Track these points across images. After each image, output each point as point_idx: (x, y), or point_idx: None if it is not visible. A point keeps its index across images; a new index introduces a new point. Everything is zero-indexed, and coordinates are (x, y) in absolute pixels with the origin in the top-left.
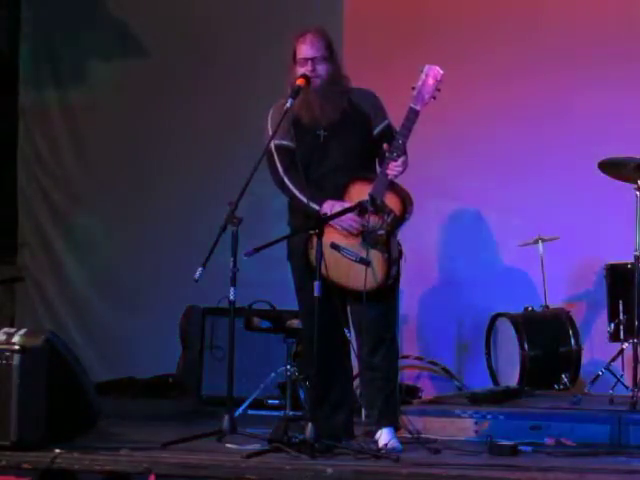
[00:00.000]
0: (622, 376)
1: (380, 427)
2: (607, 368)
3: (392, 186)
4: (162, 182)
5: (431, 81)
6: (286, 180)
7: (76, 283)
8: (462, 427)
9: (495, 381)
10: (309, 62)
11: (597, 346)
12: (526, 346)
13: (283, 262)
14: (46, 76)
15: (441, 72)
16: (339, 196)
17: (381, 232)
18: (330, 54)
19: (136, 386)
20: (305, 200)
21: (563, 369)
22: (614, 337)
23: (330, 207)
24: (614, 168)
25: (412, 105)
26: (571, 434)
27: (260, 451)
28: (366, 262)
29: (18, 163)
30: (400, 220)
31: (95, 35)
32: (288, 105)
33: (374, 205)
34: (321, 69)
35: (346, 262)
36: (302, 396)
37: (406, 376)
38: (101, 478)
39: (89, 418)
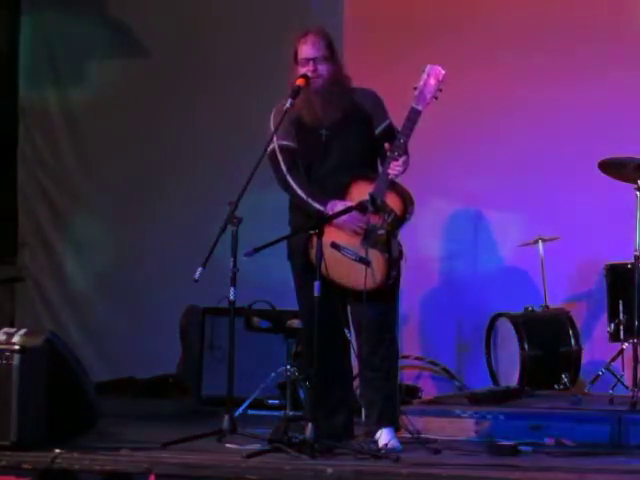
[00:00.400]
0: (622, 376)
1: (380, 427)
2: (607, 368)
3: (393, 186)
4: (162, 182)
5: (433, 81)
6: (289, 179)
7: (76, 283)
8: (462, 427)
9: (495, 381)
10: (310, 62)
11: (597, 346)
12: (526, 346)
13: (283, 262)
14: (46, 76)
15: (443, 72)
16: (341, 195)
17: (381, 232)
18: (331, 54)
19: (136, 386)
20: (308, 199)
21: (563, 369)
22: (614, 337)
23: (333, 207)
24: (614, 168)
25: (414, 105)
26: (571, 434)
27: (260, 451)
28: (366, 262)
29: (18, 163)
30: (401, 220)
31: (95, 35)
32: (288, 105)
33: (374, 205)
34: (322, 69)
35: (346, 262)
36: (302, 396)
37: (406, 376)
38: (101, 478)
39: (89, 418)
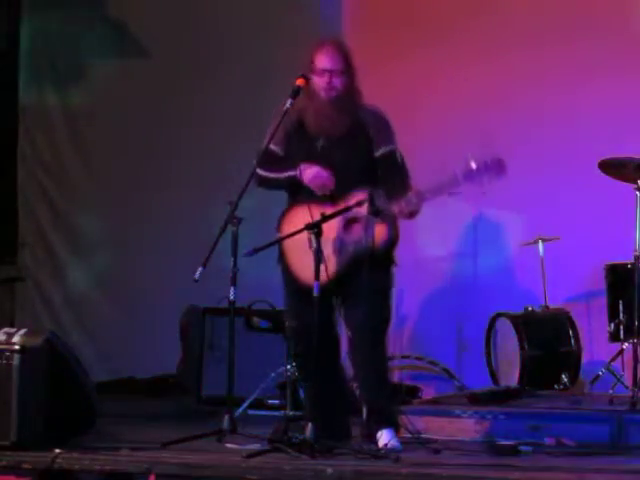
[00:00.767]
0: (622, 376)
1: (380, 427)
2: (607, 368)
3: (391, 218)
4: (162, 182)
5: (488, 177)
6: (258, 170)
7: (76, 283)
8: (462, 427)
9: (495, 381)
10: (327, 74)
11: (597, 346)
12: (526, 346)
13: None
14: (46, 76)
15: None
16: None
17: (351, 249)
18: (348, 68)
19: (136, 386)
20: (279, 175)
21: (563, 369)
22: (614, 337)
23: (304, 169)
24: (614, 168)
25: (458, 173)
26: (571, 434)
27: (260, 451)
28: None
29: (18, 163)
30: (373, 251)
31: (95, 35)
32: (287, 105)
33: (372, 205)
34: (337, 82)
35: (309, 259)
36: (302, 396)
37: (406, 376)
38: (101, 478)
39: (89, 418)
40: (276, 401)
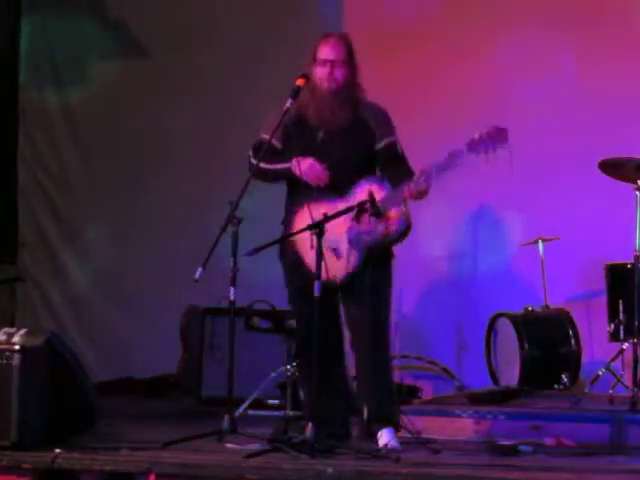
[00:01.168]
0: (622, 376)
1: (380, 427)
2: (607, 368)
3: (403, 203)
4: (162, 182)
5: (490, 147)
6: (253, 161)
7: (76, 283)
8: (462, 427)
9: (495, 381)
10: (328, 64)
11: (597, 346)
12: (526, 346)
13: None
14: (46, 76)
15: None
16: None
17: (367, 239)
18: (350, 60)
19: (136, 386)
20: (274, 166)
21: (563, 369)
22: (614, 337)
23: (297, 163)
24: (614, 168)
25: (461, 145)
26: (571, 434)
27: (260, 451)
28: (337, 253)
29: (18, 163)
30: (387, 236)
31: (95, 35)
32: (287, 105)
33: (373, 206)
34: (338, 73)
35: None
36: (302, 396)
37: (406, 376)
38: (101, 478)
39: (89, 418)
40: (276, 401)
